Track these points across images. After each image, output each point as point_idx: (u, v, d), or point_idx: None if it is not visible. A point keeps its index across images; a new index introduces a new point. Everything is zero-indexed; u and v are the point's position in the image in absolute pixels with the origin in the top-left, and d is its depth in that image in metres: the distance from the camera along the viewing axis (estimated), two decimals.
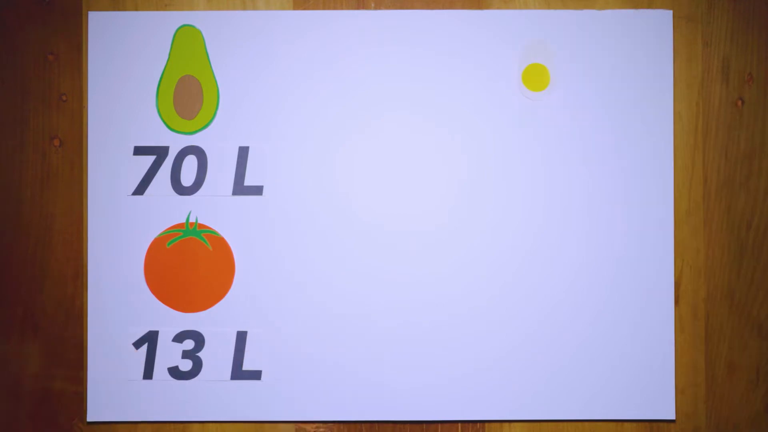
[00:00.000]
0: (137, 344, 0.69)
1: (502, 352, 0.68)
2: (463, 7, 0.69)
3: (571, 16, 0.69)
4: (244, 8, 0.70)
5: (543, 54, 0.69)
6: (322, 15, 0.69)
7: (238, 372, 0.68)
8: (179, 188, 0.69)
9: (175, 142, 0.69)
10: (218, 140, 0.69)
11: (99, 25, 0.69)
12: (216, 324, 0.69)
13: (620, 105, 0.69)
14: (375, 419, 0.68)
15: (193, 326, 0.69)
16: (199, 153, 0.69)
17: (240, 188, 0.69)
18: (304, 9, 0.70)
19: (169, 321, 0.69)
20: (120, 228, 0.69)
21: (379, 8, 0.69)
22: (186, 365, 0.69)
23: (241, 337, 0.68)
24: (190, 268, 0.69)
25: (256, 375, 0.68)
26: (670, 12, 0.69)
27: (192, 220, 0.69)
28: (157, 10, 0.70)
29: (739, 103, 0.69)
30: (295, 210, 0.69)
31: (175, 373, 0.69)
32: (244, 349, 0.68)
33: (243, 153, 0.69)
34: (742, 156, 0.69)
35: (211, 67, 0.69)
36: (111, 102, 0.69)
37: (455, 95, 0.69)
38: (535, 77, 0.69)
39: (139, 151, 0.69)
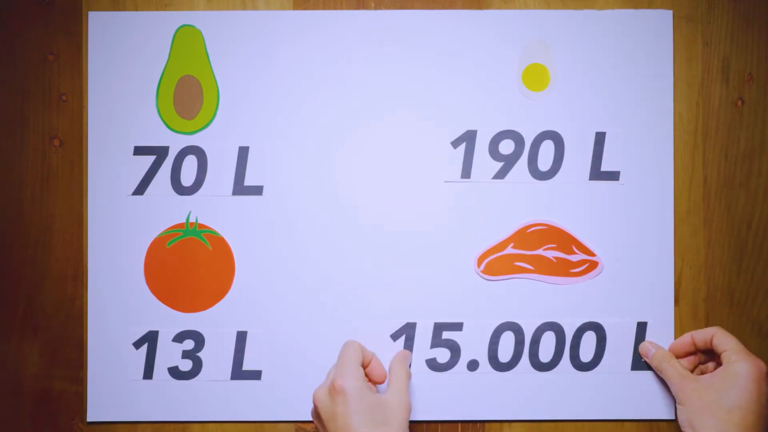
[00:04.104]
0: (137, 344, 0.69)
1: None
2: (463, 7, 0.69)
3: (571, 16, 0.69)
4: (244, 8, 0.70)
5: (543, 54, 0.69)
6: (322, 15, 0.69)
7: (238, 372, 0.68)
8: (179, 188, 0.69)
9: (175, 142, 0.69)
10: (218, 140, 0.69)
11: (99, 25, 0.69)
12: (216, 324, 0.69)
13: (620, 105, 0.69)
14: None
15: (193, 326, 0.69)
16: (199, 153, 0.69)
17: (240, 188, 0.69)
18: (304, 9, 0.70)
19: (169, 321, 0.69)
20: (120, 228, 0.69)
21: (379, 8, 0.69)
22: (186, 365, 0.69)
23: (241, 337, 0.68)
24: (190, 268, 0.69)
25: (256, 375, 0.68)
26: (670, 12, 0.69)
27: (192, 220, 0.69)
28: (157, 10, 0.70)
29: (739, 103, 0.69)
30: (295, 210, 0.69)
31: (175, 373, 0.69)
32: (244, 349, 0.68)
33: (243, 153, 0.69)
34: (742, 156, 0.69)
35: (211, 67, 0.69)
36: (111, 102, 0.69)
37: (455, 95, 0.69)
38: (535, 77, 0.69)
39: (139, 151, 0.69)
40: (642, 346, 0.67)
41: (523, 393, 0.68)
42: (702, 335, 0.65)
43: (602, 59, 0.69)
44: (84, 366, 0.69)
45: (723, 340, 0.62)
